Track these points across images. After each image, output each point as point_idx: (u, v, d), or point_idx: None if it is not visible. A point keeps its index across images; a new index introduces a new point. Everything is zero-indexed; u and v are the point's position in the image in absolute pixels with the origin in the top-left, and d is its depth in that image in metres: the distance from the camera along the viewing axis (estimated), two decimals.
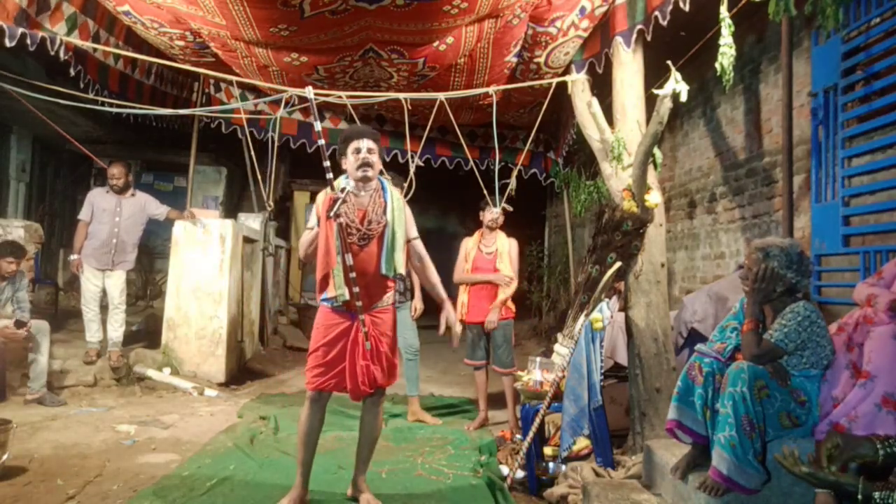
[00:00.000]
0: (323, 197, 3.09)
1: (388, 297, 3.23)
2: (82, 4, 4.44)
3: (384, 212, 3.12)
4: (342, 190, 2.99)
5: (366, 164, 3.07)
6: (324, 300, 3.14)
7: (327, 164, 2.97)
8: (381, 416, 3.35)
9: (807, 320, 2.49)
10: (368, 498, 3.22)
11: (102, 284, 5.83)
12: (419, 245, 3.30)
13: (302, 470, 3.19)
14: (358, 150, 3.07)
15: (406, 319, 5.02)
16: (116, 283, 5.87)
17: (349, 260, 2.98)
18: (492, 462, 3.93)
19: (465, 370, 6.09)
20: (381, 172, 3.28)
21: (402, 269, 3.15)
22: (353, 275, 2.98)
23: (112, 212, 5.87)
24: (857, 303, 2.63)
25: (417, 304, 5.08)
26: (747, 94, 4.73)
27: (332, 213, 2.89)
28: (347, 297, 3.02)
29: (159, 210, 6.14)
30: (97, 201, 5.91)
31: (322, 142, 3.01)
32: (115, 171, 5.94)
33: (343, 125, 6.98)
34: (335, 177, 3.04)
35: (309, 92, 3.13)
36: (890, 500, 1.79)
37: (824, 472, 1.96)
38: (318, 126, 3.04)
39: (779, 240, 2.71)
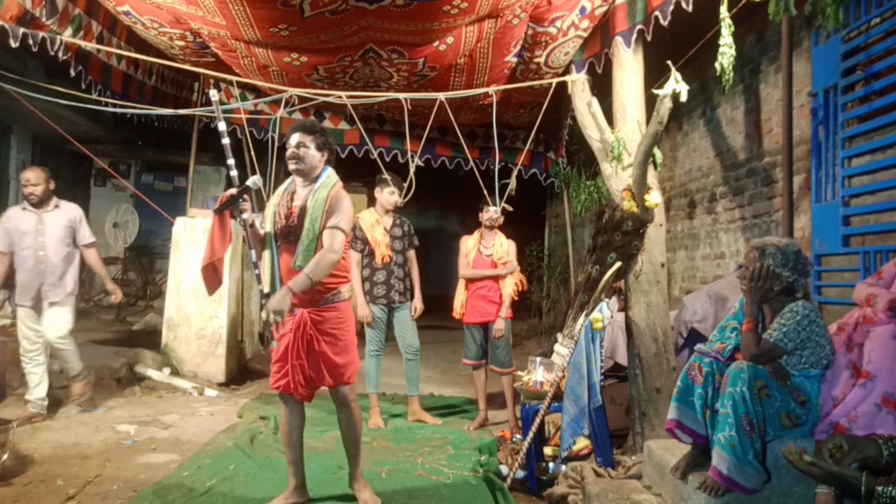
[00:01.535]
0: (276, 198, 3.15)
1: (334, 295, 3.05)
2: (86, 6, 4.45)
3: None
4: (244, 189, 2.97)
5: (291, 158, 3.03)
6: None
7: (231, 161, 3.08)
8: (356, 415, 3.22)
9: (805, 319, 2.49)
10: (366, 498, 3.20)
11: (39, 326, 4.62)
12: (330, 233, 2.94)
13: (292, 470, 3.18)
14: (287, 147, 3.07)
15: (406, 319, 5.02)
16: (54, 325, 4.58)
17: (253, 256, 3.06)
18: (492, 462, 3.93)
19: (465, 370, 6.09)
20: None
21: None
22: (259, 271, 3.09)
23: (34, 232, 4.59)
24: (856, 303, 2.63)
25: (417, 304, 5.08)
26: (747, 94, 4.73)
27: (217, 210, 3.00)
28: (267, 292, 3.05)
29: (85, 238, 4.81)
30: (13, 223, 4.59)
31: (226, 141, 3.13)
32: (31, 177, 4.59)
33: (343, 125, 6.99)
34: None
35: (213, 95, 3.30)
36: (893, 494, 1.78)
37: (827, 463, 1.95)
38: (221, 126, 3.17)
39: (776, 239, 2.71)
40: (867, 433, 2.19)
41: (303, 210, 3.00)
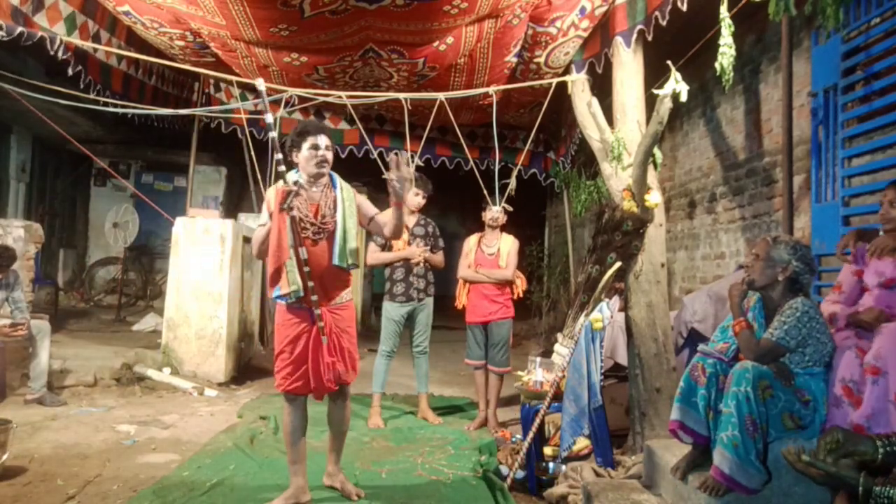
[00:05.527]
0: (273, 192, 3.08)
1: (347, 294, 3.25)
2: (81, 4, 4.44)
3: (335, 205, 3.15)
4: (295, 183, 2.99)
5: (324, 161, 3.10)
6: (277, 297, 3.11)
7: (279, 156, 2.98)
8: (349, 411, 3.42)
9: (805, 316, 2.50)
10: (342, 479, 3.36)
11: None
12: (383, 215, 3.33)
13: (293, 469, 3.19)
14: (316, 147, 3.07)
15: (422, 320, 5.02)
16: None
17: (303, 254, 2.99)
18: (492, 462, 3.93)
19: (465, 370, 6.09)
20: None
21: (353, 260, 3.15)
22: (308, 269, 3.00)
23: None
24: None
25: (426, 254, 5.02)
26: (747, 94, 4.73)
27: (284, 206, 2.92)
28: (302, 292, 3.02)
29: None
30: None
31: (273, 134, 3.03)
32: None
33: (343, 125, 6.99)
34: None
35: (260, 84, 3.17)
36: (890, 494, 1.78)
37: (824, 462, 1.94)
38: (269, 118, 3.06)
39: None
40: (886, 431, 2.18)
41: (332, 209, 3.12)
